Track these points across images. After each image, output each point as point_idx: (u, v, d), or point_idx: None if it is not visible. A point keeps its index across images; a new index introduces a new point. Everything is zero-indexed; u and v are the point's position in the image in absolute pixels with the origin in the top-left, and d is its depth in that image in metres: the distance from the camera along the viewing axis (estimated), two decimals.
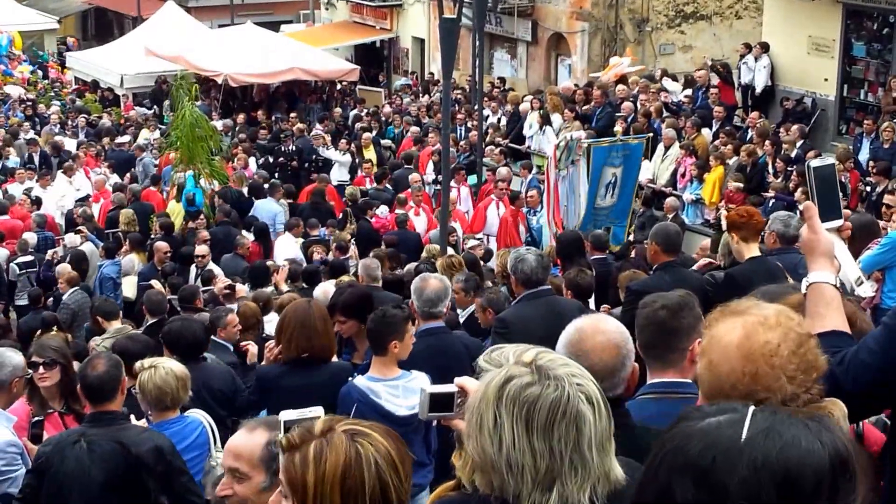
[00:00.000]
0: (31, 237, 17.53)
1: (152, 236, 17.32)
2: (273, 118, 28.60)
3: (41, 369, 6.65)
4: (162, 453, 5.67)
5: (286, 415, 3.04)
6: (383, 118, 27.77)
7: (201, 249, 15.56)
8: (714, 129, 20.47)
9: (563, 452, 2.57)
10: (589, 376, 2.69)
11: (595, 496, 2.60)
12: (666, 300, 4.53)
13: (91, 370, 5.79)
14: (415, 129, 24.80)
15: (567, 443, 2.57)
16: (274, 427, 3.36)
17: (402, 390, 6.36)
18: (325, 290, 11.45)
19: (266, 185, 20.14)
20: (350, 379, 6.43)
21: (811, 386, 2.87)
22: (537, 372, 2.62)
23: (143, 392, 6.14)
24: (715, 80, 22.28)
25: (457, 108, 25.26)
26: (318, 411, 3.02)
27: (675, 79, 23.73)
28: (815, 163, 3.56)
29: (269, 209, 19.00)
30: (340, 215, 19.35)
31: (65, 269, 15.75)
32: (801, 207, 6.71)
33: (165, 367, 6.17)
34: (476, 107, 23.19)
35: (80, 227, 18.05)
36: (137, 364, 6.24)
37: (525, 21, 29.50)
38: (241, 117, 28.39)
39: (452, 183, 18.64)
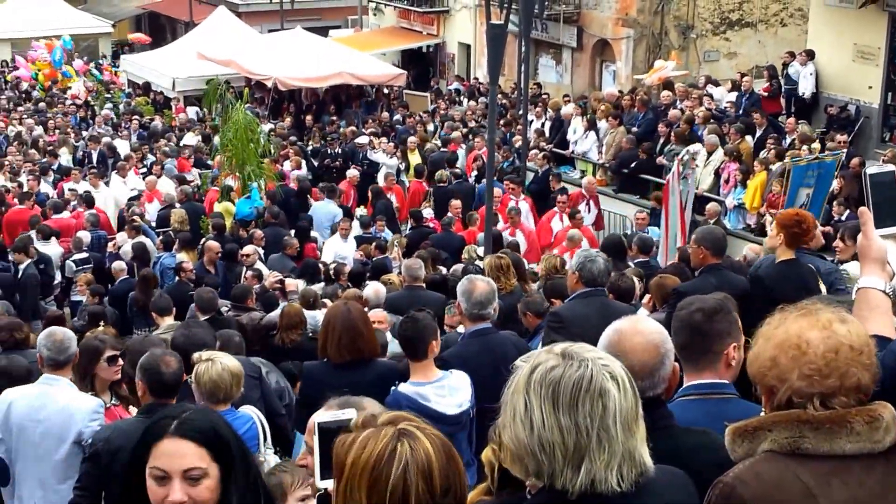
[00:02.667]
0: (84, 235, 17.86)
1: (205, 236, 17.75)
2: (320, 122, 29.00)
3: (120, 361, 7.02)
4: None
5: (320, 416, 3.12)
6: (437, 120, 28.04)
7: (247, 249, 15.87)
8: (757, 135, 20.59)
9: (590, 428, 2.65)
10: (615, 360, 2.77)
11: (622, 477, 2.68)
12: (702, 303, 4.53)
13: (166, 367, 5.96)
14: (455, 135, 25.04)
15: (593, 419, 2.65)
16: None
17: (447, 389, 6.42)
18: (377, 289, 11.72)
19: (318, 187, 20.56)
20: (393, 388, 6.38)
21: (840, 393, 2.91)
22: (563, 356, 2.73)
23: (199, 384, 6.27)
24: (759, 86, 22.41)
25: (503, 112, 25.53)
26: (351, 413, 3.05)
27: (718, 85, 23.89)
28: (871, 170, 3.59)
29: (328, 211, 19.38)
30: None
31: (120, 266, 16.20)
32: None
33: (222, 363, 6.30)
34: (521, 112, 23.44)
35: (133, 218, 18.50)
36: (195, 355, 6.41)
37: (571, 27, 29.71)
38: (288, 120, 28.82)
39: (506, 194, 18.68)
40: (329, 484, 2.97)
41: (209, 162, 23.93)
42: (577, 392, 2.66)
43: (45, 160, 24.51)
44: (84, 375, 7.09)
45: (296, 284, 13.89)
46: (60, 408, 6.60)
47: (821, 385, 2.91)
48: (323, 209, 19.59)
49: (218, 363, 6.26)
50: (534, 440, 2.67)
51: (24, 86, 37.12)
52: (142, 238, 17.16)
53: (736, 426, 3.06)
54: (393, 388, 6.35)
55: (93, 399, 6.69)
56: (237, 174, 19.94)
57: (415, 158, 23.54)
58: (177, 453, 3.04)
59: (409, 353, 6.55)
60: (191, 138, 27.24)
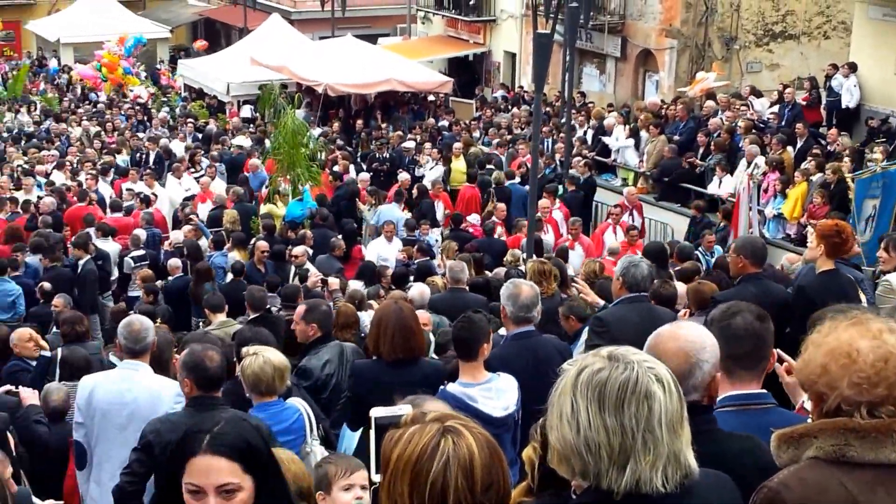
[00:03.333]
0: (141, 233, 18.21)
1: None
2: (368, 127, 29.55)
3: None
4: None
5: (377, 412, 3.16)
6: (482, 127, 28.47)
7: (298, 250, 16.25)
8: (798, 146, 20.69)
9: (635, 430, 2.68)
10: (660, 363, 2.81)
11: (667, 478, 2.71)
12: (754, 310, 4.54)
13: (209, 362, 6.19)
14: (498, 141, 25.40)
15: (638, 420, 2.68)
16: None
17: (494, 392, 6.46)
18: (422, 290, 11.99)
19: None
20: (441, 387, 6.45)
21: (888, 402, 2.93)
22: (609, 359, 2.76)
23: (243, 376, 6.53)
24: (801, 97, 22.63)
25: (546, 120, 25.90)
26: (406, 409, 3.08)
27: (760, 96, 24.14)
28: None
29: (394, 214, 19.79)
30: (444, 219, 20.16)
31: (175, 263, 16.82)
32: None
33: (265, 357, 6.46)
34: (564, 120, 23.82)
35: (191, 218, 19.11)
36: (244, 349, 6.67)
37: (615, 37, 29.99)
38: (336, 125, 29.44)
39: (545, 203, 18.92)
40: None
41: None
42: (623, 394, 2.69)
43: (104, 160, 25.27)
44: (160, 364, 7.49)
45: (336, 283, 14.32)
46: (147, 390, 6.88)
47: (869, 394, 2.92)
48: (390, 212, 20.00)
49: (261, 357, 6.46)
50: (580, 441, 2.70)
51: (81, 87, 38.05)
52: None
53: (782, 432, 3.09)
54: (441, 387, 6.42)
55: (174, 382, 6.89)
56: (287, 177, 20.52)
57: (459, 164, 23.93)
58: (210, 469, 3.08)
59: (462, 353, 6.62)
60: (242, 140, 27.76)
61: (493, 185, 21.16)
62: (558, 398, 2.78)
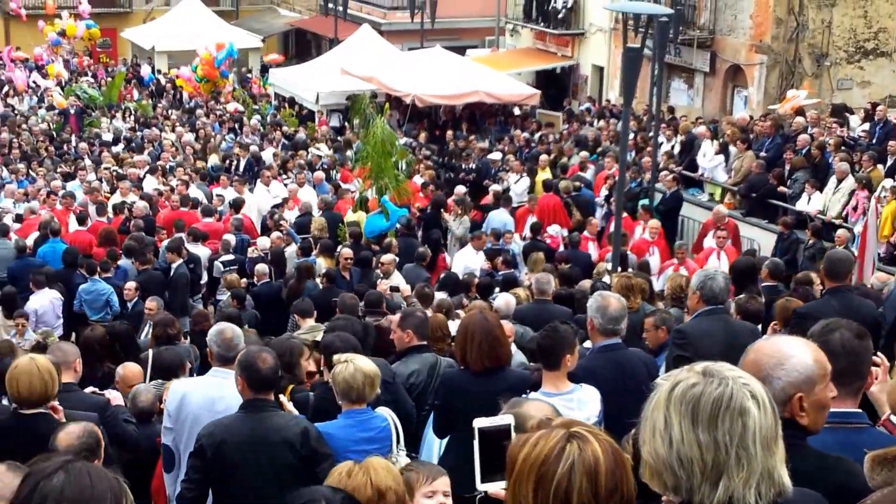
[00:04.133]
0: (231, 238, 18.51)
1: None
2: (455, 138, 29.72)
3: None
4: (308, 437, 6.16)
5: (480, 422, 3.18)
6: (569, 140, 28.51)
7: (386, 258, 16.39)
8: (889, 164, 20.46)
9: (729, 446, 2.66)
10: (755, 379, 2.79)
11: (759, 495, 2.69)
12: (852, 327, 4.50)
13: (262, 363, 6.29)
14: (584, 153, 25.49)
15: (732, 437, 2.66)
16: None
17: (576, 402, 6.48)
18: (507, 300, 12.08)
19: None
20: (524, 396, 6.27)
21: None
22: (704, 374, 2.75)
23: (334, 383, 6.56)
24: (893, 115, 22.30)
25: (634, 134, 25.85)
26: (509, 419, 3.16)
27: (851, 113, 23.85)
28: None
29: (502, 219, 19.99)
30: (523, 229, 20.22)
31: (262, 269, 17.07)
32: None
33: (356, 365, 6.49)
34: (651, 134, 23.75)
35: (281, 225, 19.41)
36: (335, 357, 6.71)
37: (704, 52, 29.83)
38: (422, 136, 29.63)
39: (656, 224, 18.81)
40: (489, 487, 3.13)
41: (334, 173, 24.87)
42: (717, 410, 2.68)
43: (195, 166, 25.78)
44: (288, 368, 7.66)
45: (408, 291, 14.41)
46: (237, 399, 6.84)
47: None
48: (498, 217, 20.18)
49: (352, 364, 6.49)
50: (672, 455, 2.69)
51: (176, 92, 38.86)
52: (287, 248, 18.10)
53: (875, 454, 3.11)
54: (524, 396, 6.28)
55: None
56: (373, 185, 20.75)
57: (544, 176, 23.98)
58: None
59: (545, 362, 6.70)
60: (324, 149, 28.11)
61: (563, 195, 21.25)
62: (651, 412, 2.77)
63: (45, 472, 2.58)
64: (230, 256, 17.85)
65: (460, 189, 22.64)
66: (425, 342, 8.67)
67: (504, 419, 3.19)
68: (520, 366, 8.80)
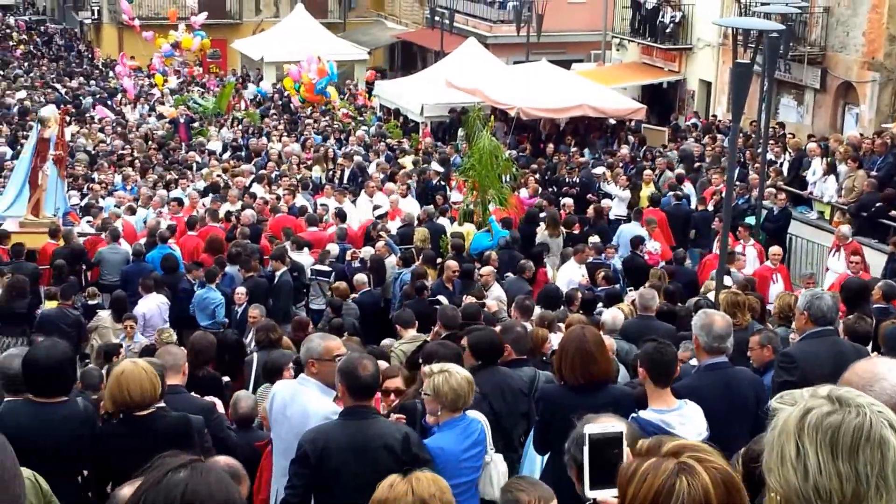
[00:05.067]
0: (333, 248, 18.67)
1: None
2: (558, 151, 29.62)
3: None
4: (409, 443, 6.21)
5: (591, 429, 3.20)
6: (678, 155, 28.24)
7: (485, 270, 16.36)
8: None
9: (869, 476, 2.60)
10: (887, 408, 2.73)
11: None
12: None
13: (363, 370, 6.30)
14: (673, 172, 25.19)
15: (872, 467, 2.60)
16: None
17: (686, 418, 6.46)
18: (615, 315, 12.03)
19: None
20: (633, 415, 6.40)
21: None
22: (836, 402, 2.67)
23: (439, 394, 6.49)
24: None
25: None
26: (620, 426, 3.20)
27: None
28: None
29: (633, 231, 19.89)
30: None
31: (361, 278, 17.23)
32: None
33: (460, 373, 6.53)
34: (760, 150, 23.41)
35: (382, 235, 19.59)
36: (426, 368, 6.74)
37: (814, 69, 29.31)
38: (527, 149, 29.60)
39: (777, 251, 18.46)
40: (598, 494, 3.15)
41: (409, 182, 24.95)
42: (858, 440, 2.62)
43: (301, 175, 26.10)
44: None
45: (495, 305, 14.36)
46: (302, 409, 6.98)
47: None
48: (629, 230, 20.09)
49: (455, 374, 6.51)
50: (808, 486, 2.63)
51: (284, 103, 39.48)
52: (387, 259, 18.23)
53: None
54: (633, 416, 6.37)
55: (329, 405, 6.94)
56: (477, 198, 20.77)
57: (649, 190, 23.82)
58: None
59: (658, 379, 6.62)
60: (407, 160, 28.30)
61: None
62: (778, 438, 2.70)
63: (173, 465, 2.65)
64: (324, 267, 17.89)
65: (567, 202, 22.52)
66: (524, 356, 8.63)
67: (615, 427, 3.21)
68: (624, 382, 8.70)
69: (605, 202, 22.94)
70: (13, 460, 2.49)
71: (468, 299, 13.66)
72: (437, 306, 13.67)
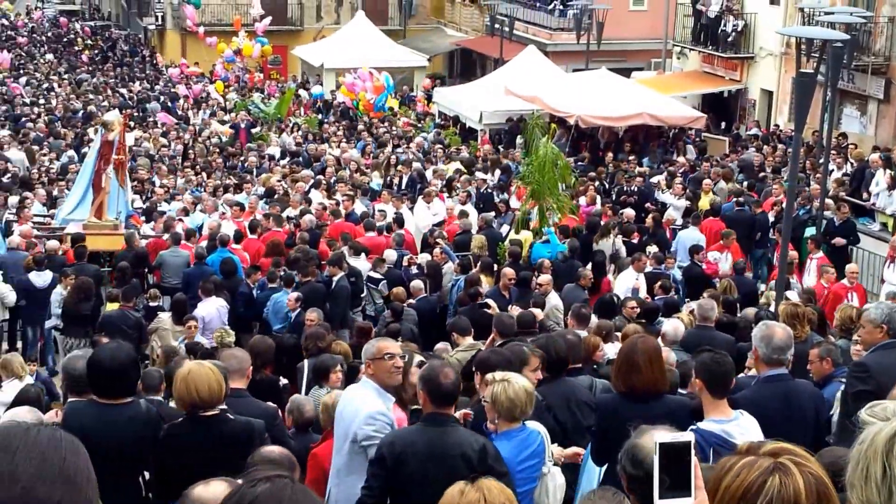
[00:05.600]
0: (390, 254, 18.71)
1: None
2: (617, 159, 29.52)
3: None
4: (486, 454, 6.16)
5: (660, 437, 3.20)
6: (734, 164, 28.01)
7: (543, 279, 16.30)
8: None
9: None
10: None
11: None
12: None
13: (444, 378, 6.32)
14: (728, 183, 24.95)
15: None
16: None
17: (744, 429, 6.42)
18: (676, 326, 11.98)
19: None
20: (692, 427, 6.30)
21: None
22: None
23: (496, 402, 6.55)
24: None
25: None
26: (689, 436, 3.16)
27: None
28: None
29: (694, 238, 19.89)
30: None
31: (418, 284, 17.24)
32: None
33: (518, 383, 6.54)
34: (822, 160, 23.19)
35: (438, 242, 19.61)
36: (489, 376, 6.76)
37: (878, 79, 29.00)
38: (586, 157, 29.53)
39: (854, 268, 18.08)
40: (667, 503, 3.13)
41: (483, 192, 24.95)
42: None
43: (359, 181, 26.23)
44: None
45: (540, 314, 14.36)
46: (352, 408, 7.08)
47: None
48: (689, 236, 20.08)
49: (515, 383, 6.53)
50: None
51: (342, 109, 39.70)
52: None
53: None
54: (692, 427, 6.31)
55: (375, 405, 7.00)
56: (536, 205, 20.74)
57: (708, 200, 23.67)
58: None
59: (716, 390, 6.57)
60: (452, 167, 28.29)
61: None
62: (864, 455, 2.68)
63: (254, 478, 2.66)
64: (377, 275, 17.94)
65: (629, 213, 22.42)
66: (579, 365, 8.61)
67: (685, 435, 3.20)
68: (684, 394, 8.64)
69: (667, 215, 22.81)
70: (87, 463, 2.49)
71: (514, 310, 13.62)
72: (486, 309, 13.77)
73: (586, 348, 10.11)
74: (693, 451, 3.14)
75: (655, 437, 3.19)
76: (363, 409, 6.97)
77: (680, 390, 8.97)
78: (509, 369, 7.15)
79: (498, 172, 27.53)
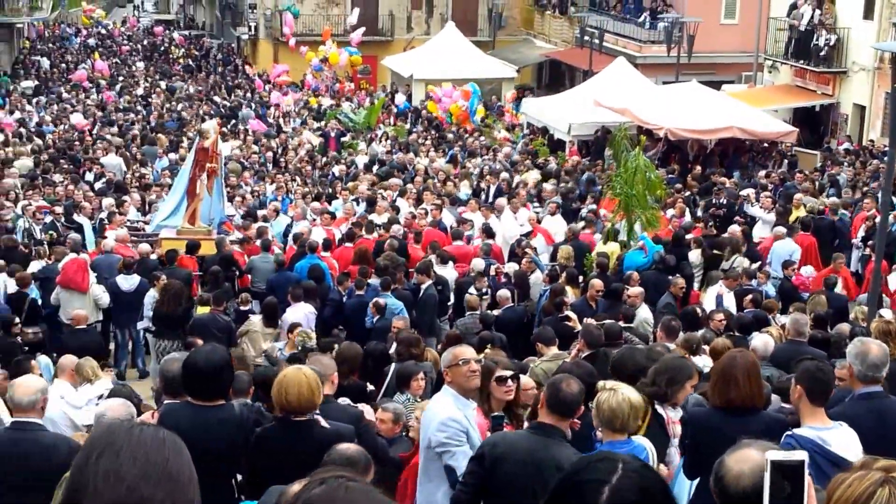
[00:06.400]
0: (478, 263, 18.72)
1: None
2: (706, 172, 29.31)
3: (510, 383, 7.54)
4: None
5: (772, 454, 3.18)
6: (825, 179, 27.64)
7: (633, 291, 16.19)
8: None
9: None
10: None
11: None
12: None
13: (566, 388, 6.37)
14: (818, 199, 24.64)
15: None
16: None
17: (842, 438, 6.38)
18: (766, 341, 11.81)
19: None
20: (788, 434, 6.36)
21: None
22: None
23: (598, 410, 6.60)
24: None
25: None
26: (802, 455, 3.13)
27: None
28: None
29: (788, 248, 19.80)
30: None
31: (505, 294, 17.18)
32: None
33: (623, 394, 6.55)
34: None
35: (526, 251, 19.62)
36: (600, 384, 6.84)
37: None
38: (675, 169, 29.34)
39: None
40: None
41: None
42: None
43: (447, 191, 26.37)
44: (481, 392, 7.58)
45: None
46: (430, 416, 7.19)
47: None
48: (783, 247, 19.97)
49: (619, 393, 6.55)
50: None
51: (430, 119, 39.94)
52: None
53: None
54: (787, 434, 6.33)
55: (449, 411, 7.03)
56: (624, 217, 20.65)
57: (798, 214, 23.35)
58: None
59: (816, 398, 6.58)
60: (530, 176, 28.31)
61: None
62: None
63: (315, 479, 2.61)
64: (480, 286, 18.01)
65: (735, 229, 22.20)
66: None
67: (798, 454, 3.17)
68: (774, 409, 8.57)
69: (756, 229, 22.54)
70: (189, 463, 2.51)
71: (589, 321, 13.62)
72: (567, 322, 13.77)
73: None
74: (807, 470, 3.12)
75: (767, 454, 3.17)
76: (438, 417, 7.06)
77: (782, 404, 8.91)
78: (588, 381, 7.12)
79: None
